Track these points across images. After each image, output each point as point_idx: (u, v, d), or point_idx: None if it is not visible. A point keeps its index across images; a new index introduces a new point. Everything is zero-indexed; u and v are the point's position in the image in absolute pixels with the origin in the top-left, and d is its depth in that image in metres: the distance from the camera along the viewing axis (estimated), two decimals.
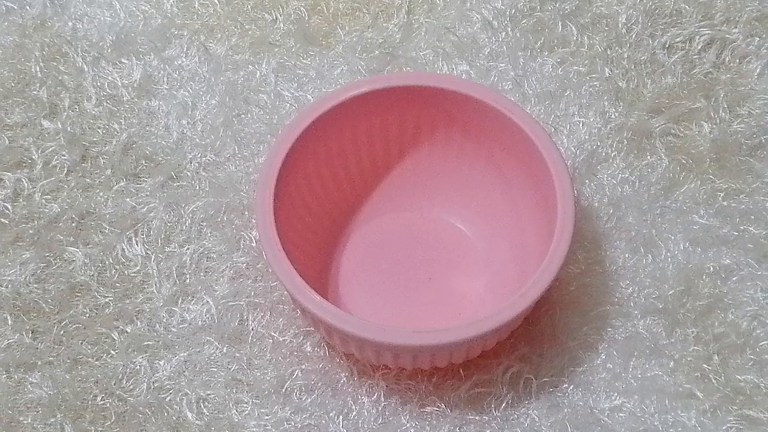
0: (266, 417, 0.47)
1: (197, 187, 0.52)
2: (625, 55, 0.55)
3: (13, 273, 0.50)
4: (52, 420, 0.47)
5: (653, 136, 0.53)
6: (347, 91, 0.47)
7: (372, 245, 0.50)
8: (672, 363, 0.48)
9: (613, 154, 0.53)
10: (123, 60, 0.55)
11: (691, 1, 0.56)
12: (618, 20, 0.56)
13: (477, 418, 0.47)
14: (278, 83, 0.54)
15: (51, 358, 0.49)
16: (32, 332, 0.49)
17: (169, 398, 0.48)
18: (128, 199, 0.52)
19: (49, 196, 0.52)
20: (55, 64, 0.55)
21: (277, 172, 0.45)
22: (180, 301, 0.50)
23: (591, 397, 0.48)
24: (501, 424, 0.47)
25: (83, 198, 0.52)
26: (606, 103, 0.54)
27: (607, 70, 0.55)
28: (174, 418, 0.47)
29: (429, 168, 0.51)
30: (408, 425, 0.47)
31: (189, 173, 0.52)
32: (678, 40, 0.55)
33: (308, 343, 0.49)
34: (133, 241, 0.51)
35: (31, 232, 0.51)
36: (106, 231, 0.51)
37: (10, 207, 0.52)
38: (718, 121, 0.53)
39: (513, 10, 0.56)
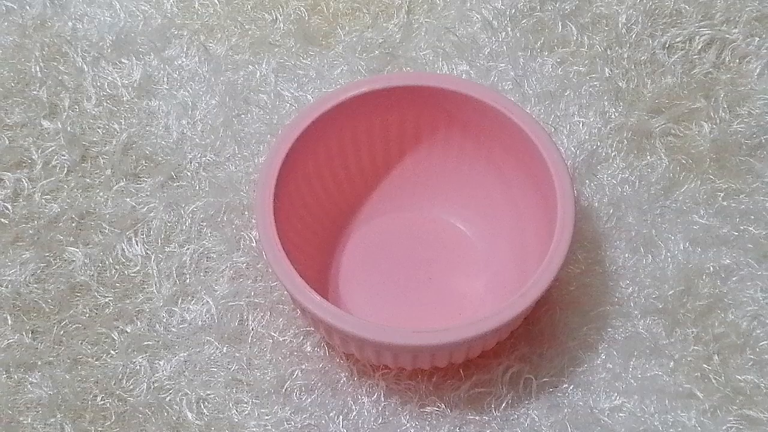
0: (266, 417, 0.47)
1: (197, 187, 0.52)
2: (625, 55, 0.55)
3: (13, 273, 0.50)
4: (52, 420, 0.47)
5: (653, 136, 0.53)
6: (347, 91, 0.47)
7: (372, 245, 0.50)
8: (672, 363, 0.48)
9: (613, 154, 0.53)
10: (123, 60, 0.55)
11: (691, 1, 0.56)
12: (618, 20, 0.56)
13: (477, 418, 0.47)
14: (278, 83, 0.54)
15: (51, 358, 0.49)
16: (32, 332, 0.49)
17: (169, 398, 0.48)
18: (128, 199, 0.52)
19: (49, 196, 0.52)
20: (55, 64, 0.55)
21: (277, 172, 0.45)
22: (180, 301, 0.50)
23: (591, 397, 0.48)
24: (501, 424, 0.47)
25: (83, 198, 0.52)
26: (606, 103, 0.54)
27: (607, 70, 0.55)
28: (174, 418, 0.47)
29: (429, 168, 0.51)
30: (408, 425, 0.47)
31: (189, 173, 0.52)
32: (678, 40, 0.55)
33: (308, 343, 0.49)
34: (133, 241, 0.51)
35: (31, 232, 0.51)
36: (106, 231, 0.51)
37: (10, 207, 0.52)
38: (718, 121, 0.53)
39: (513, 10, 0.56)
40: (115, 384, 0.48)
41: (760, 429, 0.47)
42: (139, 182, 0.52)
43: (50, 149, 0.53)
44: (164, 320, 0.49)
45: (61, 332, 0.49)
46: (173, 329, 0.49)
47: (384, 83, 0.47)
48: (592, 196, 0.52)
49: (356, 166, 0.50)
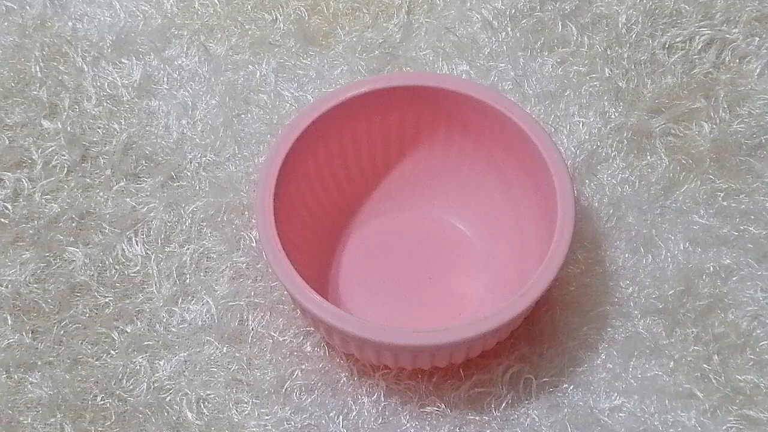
0: (266, 417, 0.47)
1: (197, 187, 0.52)
2: (625, 55, 0.55)
3: (13, 273, 0.50)
4: (52, 420, 0.47)
5: (653, 136, 0.53)
6: (347, 91, 0.47)
7: (372, 245, 0.50)
8: (672, 363, 0.48)
9: (613, 154, 0.53)
10: (123, 60, 0.55)
11: (691, 1, 0.56)
12: (618, 20, 0.56)
13: (477, 418, 0.47)
14: (278, 83, 0.54)
15: (51, 358, 0.49)
16: (32, 332, 0.49)
17: (169, 398, 0.48)
18: (128, 199, 0.52)
19: (49, 196, 0.52)
20: (55, 64, 0.55)
21: (277, 172, 0.45)
22: (180, 301, 0.50)
23: (591, 397, 0.48)
24: (501, 424, 0.47)
25: (83, 198, 0.52)
26: (606, 103, 0.54)
27: (607, 70, 0.55)
28: (174, 418, 0.47)
29: (429, 168, 0.51)
30: (408, 425, 0.47)
31: (189, 173, 0.52)
32: (678, 40, 0.55)
33: (308, 343, 0.49)
34: (133, 241, 0.51)
35: (31, 232, 0.51)
36: (106, 231, 0.51)
37: (10, 207, 0.52)
38: (718, 121, 0.53)
39: (513, 10, 0.56)
40: (115, 384, 0.48)
41: (760, 429, 0.47)
42: (139, 182, 0.52)
43: (50, 149, 0.53)
44: (164, 320, 0.49)
45: (61, 332, 0.49)
46: (173, 329, 0.49)
47: (384, 83, 0.47)
48: (592, 196, 0.52)
49: (356, 166, 0.50)
